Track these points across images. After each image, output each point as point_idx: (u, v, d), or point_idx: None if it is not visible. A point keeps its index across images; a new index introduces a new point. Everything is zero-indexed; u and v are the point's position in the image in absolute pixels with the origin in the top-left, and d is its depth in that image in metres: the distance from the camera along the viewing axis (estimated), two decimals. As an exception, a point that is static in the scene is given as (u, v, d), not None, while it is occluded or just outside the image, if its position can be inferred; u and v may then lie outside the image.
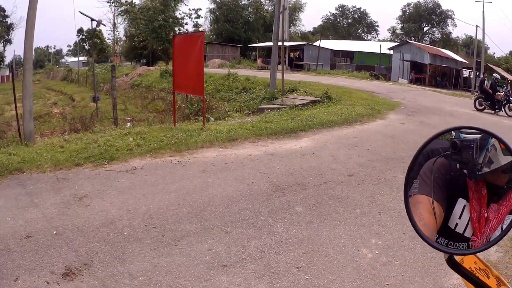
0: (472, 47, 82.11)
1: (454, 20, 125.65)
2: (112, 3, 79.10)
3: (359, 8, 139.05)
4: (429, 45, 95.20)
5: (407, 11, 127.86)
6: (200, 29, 77.97)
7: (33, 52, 20.52)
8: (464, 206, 1.84)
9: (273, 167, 11.88)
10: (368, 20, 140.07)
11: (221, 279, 6.22)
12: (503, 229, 1.76)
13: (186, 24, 73.49)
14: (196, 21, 75.18)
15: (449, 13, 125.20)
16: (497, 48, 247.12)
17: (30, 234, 7.23)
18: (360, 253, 7.16)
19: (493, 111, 31.08)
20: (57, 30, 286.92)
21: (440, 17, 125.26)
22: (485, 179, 1.83)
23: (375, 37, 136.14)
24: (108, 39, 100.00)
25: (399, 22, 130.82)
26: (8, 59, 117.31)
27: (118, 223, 7.78)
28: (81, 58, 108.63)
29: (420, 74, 63.77)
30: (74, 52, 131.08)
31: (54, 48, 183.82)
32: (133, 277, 6.15)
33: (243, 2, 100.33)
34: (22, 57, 15.82)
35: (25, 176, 10.47)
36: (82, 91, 48.76)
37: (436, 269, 7.00)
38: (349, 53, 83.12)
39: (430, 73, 64.39)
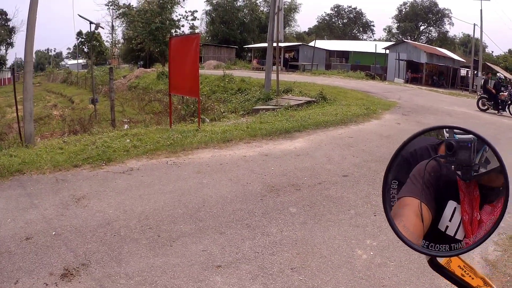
0: (470, 45, 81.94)
1: (451, 19, 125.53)
2: (111, 6, 79.08)
3: (355, 8, 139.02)
4: (425, 44, 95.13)
5: (403, 10, 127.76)
6: (196, 30, 78.01)
7: (34, 55, 20.63)
8: (455, 208, 1.84)
9: (267, 167, 11.90)
10: (364, 20, 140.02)
11: (216, 279, 6.24)
12: (487, 231, 1.77)
13: (183, 26, 73.47)
14: (192, 23, 75.19)
15: (446, 11, 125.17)
16: (495, 46, 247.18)
17: (30, 236, 7.27)
18: (354, 254, 7.17)
19: (496, 111, 31.11)
20: (57, 33, 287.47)
21: (437, 16, 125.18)
22: (478, 180, 1.83)
23: (371, 37, 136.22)
24: (107, 41, 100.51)
25: (395, 21, 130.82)
26: (9, 62, 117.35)
27: (115, 223, 7.82)
28: (80, 61, 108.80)
29: (416, 73, 63.72)
30: (74, 54, 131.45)
31: (54, 51, 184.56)
32: (129, 277, 6.18)
33: (238, 4, 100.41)
34: (23, 60, 15.88)
35: (25, 177, 10.52)
36: (81, 93, 48.78)
37: (431, 269, 7.00)
38: (345, 53, 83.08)
39: (426, 72, 64.30)
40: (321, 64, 68.48)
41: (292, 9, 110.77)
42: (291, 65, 64.70)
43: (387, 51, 69.00)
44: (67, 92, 53.86)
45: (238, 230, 7.80)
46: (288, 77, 36.90)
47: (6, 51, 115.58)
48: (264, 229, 7.90)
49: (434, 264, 1.83)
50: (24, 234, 7.36)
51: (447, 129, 1.92)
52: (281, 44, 37.48)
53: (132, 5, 74.56)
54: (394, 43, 79.19)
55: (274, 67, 28.68)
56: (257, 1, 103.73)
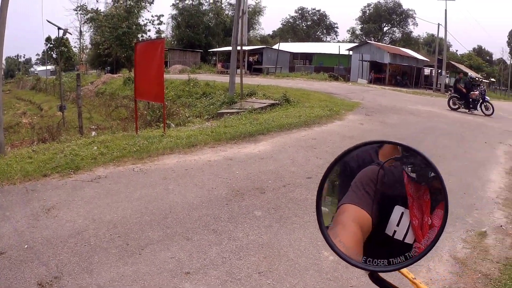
0: (434, 45, 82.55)
1: (415, 19, 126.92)
2: (79, 11, 78.53)
3: (319, 10, 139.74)
4: (389, 45, 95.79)
5: (367, 11, 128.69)
6: (163, 35, 77.88)
7: (4, 61, 20.34)
8: (402, 213, 1.87)
9: (232, 172, 11.90)
10: (328, 22, 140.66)
11: (185, 286, 6.25)
12: (428, 242, 1.84)
13: (149, 30, 73.31)
14: (159, 28, 75.04)
15: (410, 12, 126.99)
16: (460, 45, 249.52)
17: (3, 251, 7.19)
18: (321, 256, 7.20)
19: (467, 110, 31.43)
20: (27, 39, 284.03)
21: (400, 16, 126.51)
22: (429, 184, 1.88)
23: (335, 39, 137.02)
24: (75, 47, 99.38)
25: (359, 23, 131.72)
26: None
27: (84, 233, 7.77)
28: (49, 67, 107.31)
29: (379, 73, 64.27)
30: (42, 61, 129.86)
31: (24, 57, 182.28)
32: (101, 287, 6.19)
33: (204, 8, 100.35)
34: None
35: (-3, 188, 10.41)
36: (50, 100, 48.45)
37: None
38: (308, 55, 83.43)
39: (390, 72, 64.89)
40: (285, 66, 68.88)
41: (256, 12, 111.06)
42: (255, 68, 64.68)
43: (351, 52, 69.75)
44: (36, 99, 53.52)
45: (205, 235, 7.80)
46: (252, 80, 36.84)
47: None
48: (231, 234, 7.91)
49: (374, 277, 1.89)
50: (-2, 250, 7.32)
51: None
52: (245, 48, 37.50)
53: (100, 10, 74.25)
54: (357, 44, 79.65)
55: (239, 71, 28.68)
56: (222, 5, 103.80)
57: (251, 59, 68.56)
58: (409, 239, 1.87)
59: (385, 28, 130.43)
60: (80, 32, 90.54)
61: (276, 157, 13.62)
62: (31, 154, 13.26)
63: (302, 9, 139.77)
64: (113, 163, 12.37)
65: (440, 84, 62.21)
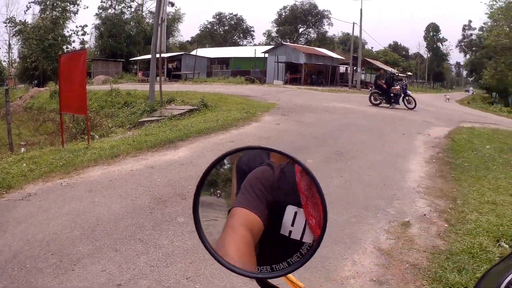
0: (349, 43, 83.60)
1: (330, 19, 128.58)
2: (8, 23, 77.04)
3: (236, 15, 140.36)
4: (304, 45, 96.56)
5: (283, 14, 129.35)
6: (86, 46, 77.16)
7: None
8: (296, 212, 1.81)
9: (154, 180, 11.78)
10: (244, 26, 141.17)
11: (117, 298, 6.07)
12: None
13: (74, 41, 72.50)
14: (83, 38, 74.28)
15: (326, 12, 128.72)
16: (375, 42, 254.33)
17: None
18: (248, 258, 7.08)
19: (388, 105, 31.87)
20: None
21: (316, 17, 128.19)
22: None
23: (251, 42, 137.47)
24: (4, 61, 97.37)
25: (275, 25, 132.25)
26: None
27: (20, 255, 7.43)
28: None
29: (295, 74, 64.78)
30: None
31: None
32: (40, 311, 5.95)
33: (126, 17, 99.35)
34: None
35: None
36: (-20, 117, 47.08)
37: (324, 263, 7.10)
38: (225, 59, 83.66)
39: (305, 72, 65.63)
40: (202, 72, 68.67)
41: (176, 19, 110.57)
42: (174, 75, 64.38)
43: (266, 55, 70.10)
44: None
45: (132, 245, 7.65)
46: (171, 87, 36.65)
47: None
48: (156, 242, 7.80)
49: (262, 283, 1.82)
50: None
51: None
52: (164, 55, 37.30)
53: (28, 22, 73.02)
54: (273, 46, 79.94)
55: (158, 78, 28.53)
56: (143, 13, 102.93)
57: (170, 66, 68.31)
58: (307, 239, 1.83)
59: (301, 29, 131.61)
60: (9, 45, 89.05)
61: (195, 162, 13.54)
62: (-38, 175, 12.76)
63: (220, 14, 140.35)
64: (42, 179, 12.00)
65: (356, 80, 63.11)
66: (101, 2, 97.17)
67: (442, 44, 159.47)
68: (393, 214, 9.62)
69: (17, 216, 9.45)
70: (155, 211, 9.48)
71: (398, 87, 32.47)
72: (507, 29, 79.89)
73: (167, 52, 48.14)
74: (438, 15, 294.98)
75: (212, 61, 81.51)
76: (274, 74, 65.60)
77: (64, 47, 70.20)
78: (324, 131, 19.36)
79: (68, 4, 76.33)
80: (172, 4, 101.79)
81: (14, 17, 74.35)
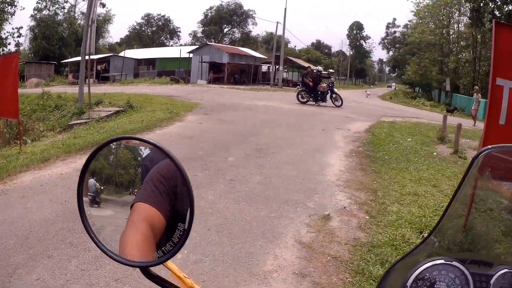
0: (272, 42, 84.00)
1: (255, 19, 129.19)
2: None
3: (163, 16, 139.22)
4: (228, 45, 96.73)
5: (209, 14, 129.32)
6: (21, 48, 75.47)
7: None
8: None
9: (81, 183, 11.50)
10: (171, 27, 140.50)
11: (51, 306, 5.90)
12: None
13: (9, 44, 70.90)
14: (18, 40, 72.73)
15: (251, 12, 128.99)
16: (298, 42, 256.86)
17: None
18: (171, 255, 6.99)
19: (314, 103, 32.02)
20: None
21: (241, 17, 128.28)
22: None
23: (177, 43, 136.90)
24: None
25: (200, 25, 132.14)
26: None
27: (-36, 274, 7.20)
28: None
29: (218, 73, 64.82)
30: None
31: None
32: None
33: (59, 18, 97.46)
34: None
35: None
36: None
37: (247, 258, 7.04)
38: (152, 60, 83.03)
39: (228, 71, 65.84)
40: (130, 73, 67.95)
41: (106, 20, 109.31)
42: (103, 77, 63.32)
43: (191, 55, 70.06)
44: None
45: (64, 250, 7.40)
46: (99, 89, 36.22)
47: None
48: (85, 245, 7.48)
49: (147, 273, 1.72)
50: None
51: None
52: (93, 57, 36.89)
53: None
54: (198, 46, 79.87)
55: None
56: (75, 14, 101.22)
57: (99, 67, 67.32)
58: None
59: (226, 29, 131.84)
60: None
61: None
62: None
63: (148, 15, 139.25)
64: (-23, 188, 11.64)
65: (278, 79, 63.45)
66: (37, 3, 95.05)
67: (365, 42, 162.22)
68: (313, 208, 9.62)
69: (-43, 230, 9.14)
70: (84, 213, 9.22)
71: (324, 85, 32.64)
72: (433, 26, 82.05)
73: (96, 53, 47.67)
74: (363, 14, 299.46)
75: (139, 62, 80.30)
76: (198, 74, 65.63)
77: (0, 49, 68.52)
78: (245, 128, 19.42)
79: (6, 6, 74.75)
80: (104, 5, 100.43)
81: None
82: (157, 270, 1.72)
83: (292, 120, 22.59)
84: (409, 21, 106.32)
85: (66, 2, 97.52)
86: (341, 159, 14.70)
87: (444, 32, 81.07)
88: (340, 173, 12.79)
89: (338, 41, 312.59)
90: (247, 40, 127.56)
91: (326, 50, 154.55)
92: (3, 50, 68.53)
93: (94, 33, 27.95)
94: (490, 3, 46.21)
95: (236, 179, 11.44)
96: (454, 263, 1.67)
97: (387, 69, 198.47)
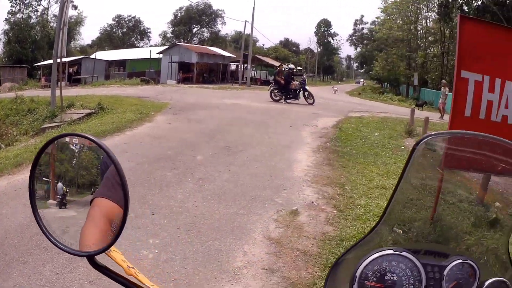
0: (241, 41, 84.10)
1: (223, 19, 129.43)
2: None
3: (134, 17, 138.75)
4: (197, 45, 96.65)
5: (179, 14, 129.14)
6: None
7: None
8: None
9: (52, 187, 11.40)
10: (142, 28, 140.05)
11: (28, 312, 5.85)
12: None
13: (-14, 48, 70.52)
14: (-8, 45, 72.38)
15: (220, 12, 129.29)
16: (267, 40, 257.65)
17: None
18: (141, 255, 7.00)
19: (286, 100, 32.05)
20: None
21: (210, 17, 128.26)
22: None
23: (147, 43, 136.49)
24: None
25: (170, 26, 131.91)
26: None
27: None
28: None
29: (188, 73, 64.73)
30: None
31: None
32: None
33: (32, 21, 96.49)
34: None
35: None
36: None
37: (217, 255, 7.05)
38: (122, 62, 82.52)
39: (197, 71, 65.75)
40: (101, 75, 67.66)
41: (78, 22, 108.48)
42: (74, 79, 62.61)
43: (161, 56, 69.87)
44: None
45: (38, 255, 7.31)
46: (71, 92, 35.76)
47: None
48: (59, 249, 7.51)
49: (93, 263, 1.73)
50: None
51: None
52: (65, 59, 36.63)
53: None
54: (167, 47, 79.71)
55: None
56: (48, 17, 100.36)
57: (71, 70, 66.84)
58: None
59: (195, 29, 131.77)
60: None
61: None
62: None
63: (119, 16, 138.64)
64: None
65: (246, 77, 63.50)
66: (11, 6, 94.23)
67: (333, 39, 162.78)
68: (281, 204, 9.65)
69: None
70: (55, 218, 9.15)
71: (296, 82, 32.66)
72: (400, 22, 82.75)
73: (68, 56, 47.37)
74: (331, 11, 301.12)
75: (110, 63, 79.64)
76: (168, 74, 65.59)
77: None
78: (213, 127, 19.38)
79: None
80: (76, 7, 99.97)
81: None
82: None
83: (260, 118, 22.59)
84: (376, 17, 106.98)
85: (39, 5, 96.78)
86: (308, 155, 14.73)
87: (412, 28, 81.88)
88: (307, 168, 12.83)
89: (306, 39, 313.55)
90: (216, 39, 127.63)
91: (294, 48, 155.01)
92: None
93: (66, 36, 27.70)
94: (459, -1, 46.55)
95: (205, 177, 11.43)
96: (404, 253, 1.66)
97: (355, 65, 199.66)
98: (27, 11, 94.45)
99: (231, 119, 21.82)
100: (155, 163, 12.68)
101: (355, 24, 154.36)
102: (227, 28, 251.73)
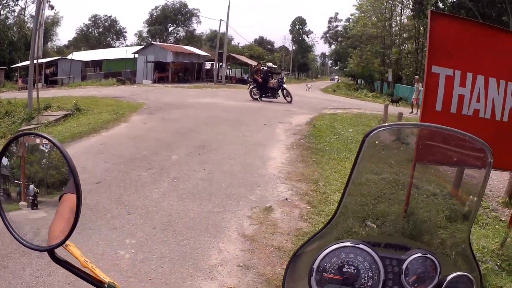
0: (216, 40, 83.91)
1: (199, 17, 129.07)
2: None
3: (110, 16, 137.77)
4: (173, 44, 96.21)
5: (155, 14, 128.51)
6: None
7: None
8: None
9: (29, 189, 11.34)
10: (117, 27, 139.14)
11: (9, 317, 5.83)
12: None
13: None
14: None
15: (195, 11, 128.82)
16: (242, 38, 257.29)
17: None
18: (118, 256, 7.01)
19: (267, 99, 31.99)
20: None
21: (185, 16, 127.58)
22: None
23: (123, 43, 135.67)
24: None
25: (146, 25, 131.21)
26: None
27: None
28: None
29: (163, 73, 64.44)
30: None
31: None
32: None
33: (9, 22, 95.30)
34: None
35: None
36: None
37: (192, 254, 7.08)
38: (99, 62, 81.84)
39: (173, 70, 65.41)
40: (77, 76, 66.91)
41: (54, 22, 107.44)
42: (51, 81, 61.96)
43: (137, 55, 69.42)
44: None
45: (18, 259, 7.26)
46: (48, 93, 35.39)
47: None
48: (37, 252, 7.45)
49: (53, 257, 1.75)
50: None
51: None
52: (42, 60, 36.23)
53: None
54: (143, 46, 79.25)
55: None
56: (25, 18, 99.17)
57: (47, 71, 66.21)
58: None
59: (170, 29, 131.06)
60: None
61: None
62: None
63: (95, 16, 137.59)
64: None
65: (221, 76, 63.44)
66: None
67: (307, 37, 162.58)
68: (255, 201, 9.71)
69: None
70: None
71: (274, 81, 32.61)
72: (375, 19, 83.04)
73: (45, 57, 46.73)
74: (306, 9, 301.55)
75: (86, 64, 78.63)
76: (143, 74, 65.19)
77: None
78: (188, 126, 19.30)
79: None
80: (52, 7, 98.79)
81: None
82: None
83: (235, 116, 22.56)
84: (351, 15, 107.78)
85: (17, 5, 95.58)
86: (282, 152, 14.79)
87: (386, 24, 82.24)
88: (281, 165, 12.90)
89: (281, 37, 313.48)
90: (192, 38, 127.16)
91: (269, 46, 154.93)
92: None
93: (42, 37, 27.43)
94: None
95: (180, 176, 11.44)
96: (361, 246, 1.69)
97: (329, 62, 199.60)
98: (4, 12, 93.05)
99: (206, 118, 21.78)
100: (131, 163, 12.65)
101: (330, 21, 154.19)
102: (203, 27, 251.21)
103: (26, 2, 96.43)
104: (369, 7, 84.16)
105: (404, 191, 1.90)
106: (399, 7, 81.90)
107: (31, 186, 1.86)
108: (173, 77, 64.80)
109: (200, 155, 13.96)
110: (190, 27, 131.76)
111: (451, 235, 1.83)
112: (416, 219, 1.92)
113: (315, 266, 1.64)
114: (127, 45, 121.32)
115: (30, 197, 1.86)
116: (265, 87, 32.41)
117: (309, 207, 9.38)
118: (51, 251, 1.73)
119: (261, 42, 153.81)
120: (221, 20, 69.64)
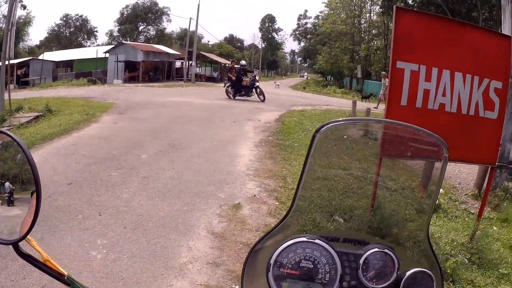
0: (186, 38, 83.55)
1: (169, 16, 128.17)
2: None
3: (81, 16, 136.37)
4: (143, 43, 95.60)
5: (125, 13, 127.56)
6: None
7: None
8: None
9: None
10: (89, 27, 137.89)
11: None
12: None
13: None
14: None
15: (165, 9, 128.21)
16: (212, 37, 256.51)
17: None
18: (90, 256, 7.00)
19: (241, 97, 32.03)
20: None
21: (156, 14, 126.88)
22: None
23: (94, 43, 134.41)
24: None
25: (117, 24, 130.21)
26: None
27: None
28: None
29: (134, 72, 63.93)
30: None
31: None
32: None
33: None
34: None
35: None
36: None
37: (162, 252, 7.13)
38: (70, 62, 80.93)
39: (143, 69, 64.85)
40: (49, 76, 66.00)
41: (26, 23, 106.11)
42: (23, 82, 61.21)
43: (107, 55, 68.66)
44: None
45: (-6, 264, 7.33)
46: (19, 95, 35.03)
47: None
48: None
49: (17, 251, 1.80)
50: None
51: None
52: (13, 61, 35.85)
53: None
54: (113, 46, 78.60)
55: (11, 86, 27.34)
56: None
57: (19, 72, 65.46)
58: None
59: (141, 27, 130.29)
60: None
61: (40, 169, 12.87)
62: None
63: (66, 15, 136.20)
64: None
65: (191, 74, 63.24)
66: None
67: (277, 34, 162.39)
68: (223, 198, 9.77)
69: None
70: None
71: (248, 79, 32.52)
72: (344, 16, 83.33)
73: (16, 58, 46.10)
74: (275, 7, 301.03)
75: (57, 64, 77.52)
76: (114, 74, 64.74)
77: None
78: (158, 125, 19.26)
79: None
80: (24, 7, 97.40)
81: None
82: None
83: (204, 115, 22.50)
84: (320, 12, 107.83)
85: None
86: (251, 149, 14.84)
87: (355, 21, 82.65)
88: (250, 162, 12.96)
89: (251, 35, 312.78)
90: (162, 37, 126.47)
91: (238, 44, 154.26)
92: None
93: (14, 37, 27.12)
94: (403, -9, 46.74)
95: (149, 175, 11.44)
96: (317, 241, 1.71)
97: (299, 59, 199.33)
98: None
99: (175, 117, 21.71)
100: (102, 163, 12.58)
101: (299, 19, 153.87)
102: (173, 25, 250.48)
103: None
104: (338, 4, 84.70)
105: (371, 186, 1.95)
106: (368, 4, 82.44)
107: (7, 184, 1.88)
108: (143, 76, 64.34)
109: (170, 154, 13.94)
110: (161, 26, 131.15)
111: (409, 230, 1.86)
112: (383, 213, 1.97)
113: (272, 262, 1.66)
114: (98, 45, 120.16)
115: (6, 195, 1.88)
116: (239, 86, 32.32)
117: (277, 203, 9.46)
118: (15, 245, 1.78)
119: (231, 40, 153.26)
120: (191, 18, 69.86)
